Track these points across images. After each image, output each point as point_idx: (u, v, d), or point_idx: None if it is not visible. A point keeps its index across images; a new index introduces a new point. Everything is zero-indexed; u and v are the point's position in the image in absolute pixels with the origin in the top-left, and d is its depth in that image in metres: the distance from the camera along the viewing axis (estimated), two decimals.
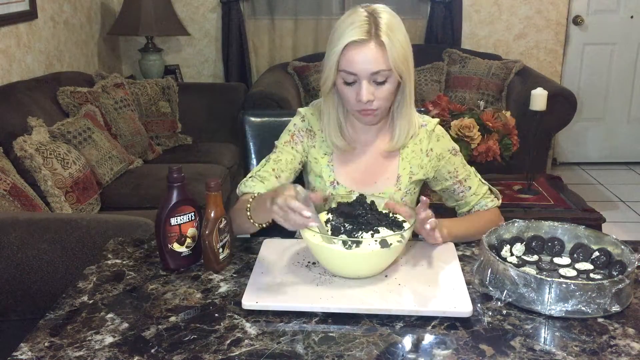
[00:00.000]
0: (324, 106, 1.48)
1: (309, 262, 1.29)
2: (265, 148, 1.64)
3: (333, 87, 1.41)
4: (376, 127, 1.50)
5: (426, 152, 1.51)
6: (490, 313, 1.13)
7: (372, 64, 1.32)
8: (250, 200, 1.34)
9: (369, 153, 1.52)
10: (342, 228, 1.22)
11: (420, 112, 1.72)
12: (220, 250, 1.29)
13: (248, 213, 1.33)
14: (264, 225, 1.34)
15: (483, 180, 1.56)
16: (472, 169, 1.56)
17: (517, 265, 1.21)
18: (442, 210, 1.64)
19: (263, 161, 1.53)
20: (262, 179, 1.48)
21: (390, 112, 1.48)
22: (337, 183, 1.50)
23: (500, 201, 1.56)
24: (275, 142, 1.55)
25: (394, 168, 1.51)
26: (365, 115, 1.41)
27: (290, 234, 1.61)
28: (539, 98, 2.80)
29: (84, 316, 1.12)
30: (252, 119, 1.80)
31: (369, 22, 1.32)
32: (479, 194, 1.54)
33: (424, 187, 1.61)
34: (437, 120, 1.55)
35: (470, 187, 1.53)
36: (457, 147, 1.54)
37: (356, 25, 1.32)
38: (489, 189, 1.56)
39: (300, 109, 1.56)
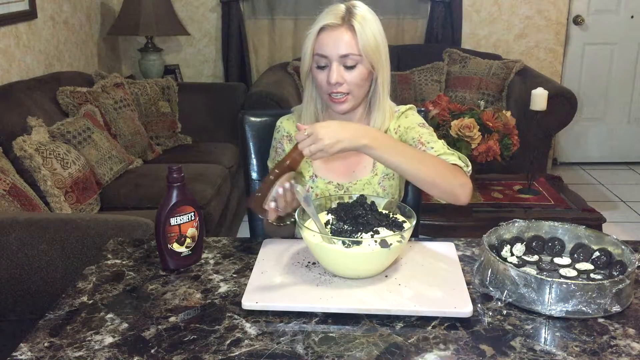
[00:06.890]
0: (304, 98, 1.54)
1: (309, 262, 1.29)
2: (265, 148, 1.64)
3: (309, 74, 1.48)
4: (353, 119, 1.53)
5: (394, 131, 1.55)
6: (490, 313, 1.13)
7: (341, 46, 1.40)
8: None
9: None
10: (342, 228, 1.22)
11: (419, 112, 1.72)
12: (270, 198, 1.28)
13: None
14: (286, 223, 1.41)
15: (452, 150, 1.47)
16: (443, 141, 1.48)
17: (518, 266, 1.21)
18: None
19: None
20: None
21: (366, 104, 1.52)
22: (316, 176, 1.55)
23: (469, 168, 1.44)
24: (268, 162, 1.63)
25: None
26: (336, 102, 1.45)
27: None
28: (539, 98, 2.80)
29: (84, 316, 1.12)
30: (252, 118, 1.80)
31: (344, 11, 1.43)
32: (440, 153, 1.43)
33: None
34: (410, 105, 1.59)
35: (432, 148, 1.44)
36: (427, 124, 1.54)
37: (332, 13, 1.43)
38: (458, 156, 1.45)
39: (277, 122, 1.62)
